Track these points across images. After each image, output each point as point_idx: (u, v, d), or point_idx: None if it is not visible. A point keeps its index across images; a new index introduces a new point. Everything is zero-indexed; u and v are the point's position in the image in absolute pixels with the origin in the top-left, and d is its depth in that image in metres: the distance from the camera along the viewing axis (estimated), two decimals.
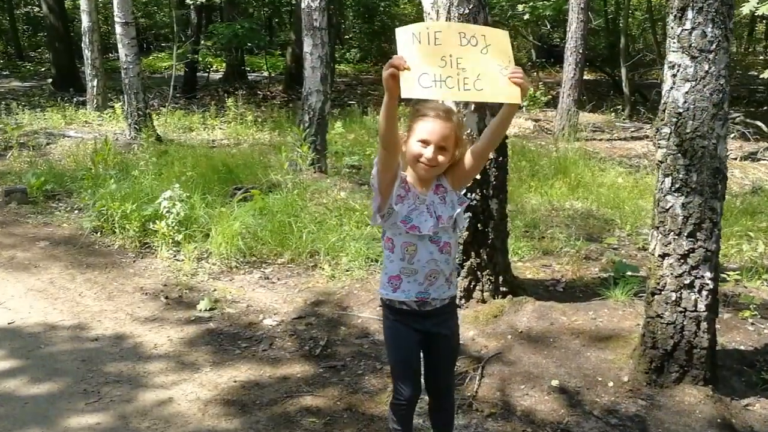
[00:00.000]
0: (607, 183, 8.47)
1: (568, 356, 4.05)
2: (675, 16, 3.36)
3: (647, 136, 13.09)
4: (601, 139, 12.81)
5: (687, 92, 3.37)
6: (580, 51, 12.15)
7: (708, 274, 3.53)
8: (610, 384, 3.78)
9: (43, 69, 21.25)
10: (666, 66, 3.46)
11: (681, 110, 3.39)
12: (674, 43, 3.38)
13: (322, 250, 5.72)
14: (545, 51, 22.71)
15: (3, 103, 13.79)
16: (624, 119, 14.81)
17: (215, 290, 5.21)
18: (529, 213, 7.05)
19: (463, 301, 4.55)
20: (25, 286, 5.20)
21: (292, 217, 6.16)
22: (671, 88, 3.43)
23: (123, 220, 6.17)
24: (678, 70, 3.39)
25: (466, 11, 4.03)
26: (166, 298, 5.06)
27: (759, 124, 13.40)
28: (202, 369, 4.08)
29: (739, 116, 14.56)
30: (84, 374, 3.97)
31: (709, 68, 3.32)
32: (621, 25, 18.10)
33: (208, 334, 4.54)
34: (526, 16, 16.57)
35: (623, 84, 15.75)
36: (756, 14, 10.58)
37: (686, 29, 3.32)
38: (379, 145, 2.65)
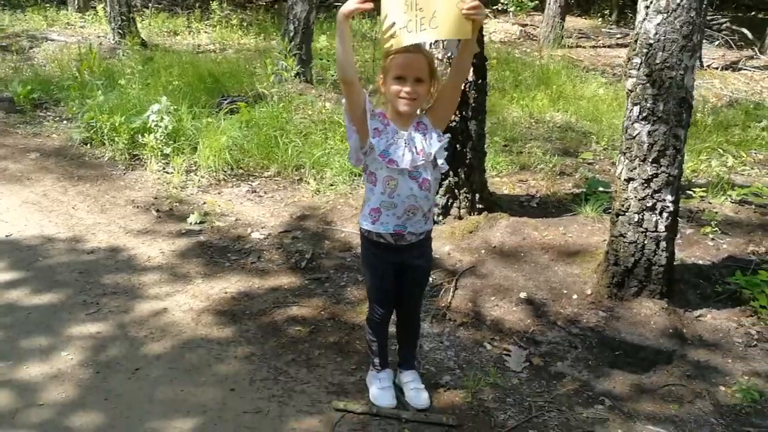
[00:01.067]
0: (588, 95, 8.61)
1: (537, 270, 4.33)
2: None
3: (611, 45, 13.08)
4: (585, 47, 12.81)
5: (659, 24, 3.50)
6: None
7: (669, 198, 3.77)
8: (574, 297, 4.08)
9: None
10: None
11: (652, 41, 3.53)
12: None
13: (307, 164, 5.90)
14: None
15: None
16: (611, 25, 14.73)
17: (204, 203, 5.41)
18: (510, 126, 7.22)
19: (440, 217, 4.79)
20: (20, 199, 5.38)
21: (278, 131, 6.30)
22: (644, 19, 3.56)
23: (112, 132, 6.29)
24: (651, 2, 3.50)
25: None
26: (158, 211, 5.26)
27: (744, 31, 13.39)
28: (194, 281, 4.33)
29: (725, 21, 14.53)
30: (82, 286, 4.22)
31: (681, 1, 3.44)
32: None
33: (199, 246, 4.77)
34: None
35: None
36: None
37: None
38: (341, 81, 2.82)
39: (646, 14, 3.54)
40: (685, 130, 3.71)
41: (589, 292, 4.08)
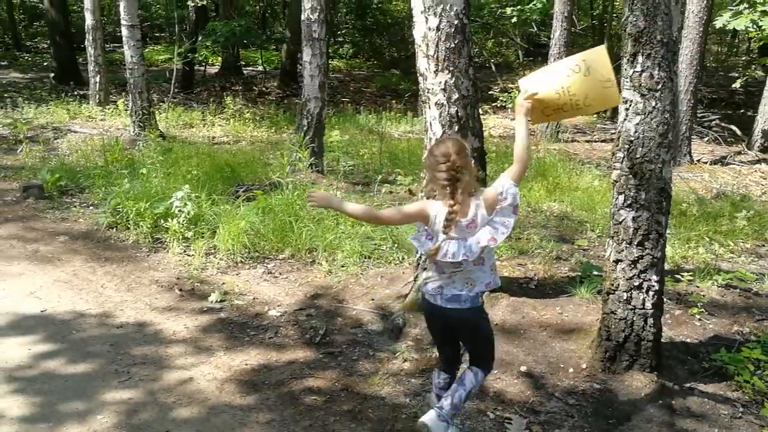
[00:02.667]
0: (583, 186, 9.09)
1: (536, 346, 4.66)
2: (627, 59, 3.95)
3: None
4: (581, 141, 13.44)
5: (637, 124, 3.97)
6: (563, 58, 12.75)
7: (654, 278, 4.15)
8: (571, 370, 4.40)
9: (41, 60, 21.65)
10: (621, 101, 4.05)
11: (632, 139, 4.00)
12: (627, 82, 3.98)
13: (320, 247, 6.31)
14: (533, 51, 23.31)
15: (6, 96, 14.28)
16: (606, 121, 15.44)
17: (224, 283, 5.79)
18: None
19: None
20: (51, 278, 5.76)
21: (292, 216, 6.74)
22: (624, 119, 4.03)
23: (137, 217, 6.73)
24: (630, 105, 3.99)
25: (452, 45, 4.61)
26: (180, 290, 5.63)
27: (733, 128, 14.05)
28: (217, 353, 4.66)
29: (715, 119, 15.24)
30: (114, 357, 4.55)
31: (656, 104, 3.92)
32: (606, 28, 18.74)
33: (220, 323, 5.12)
34: (514, 19, 17.20)
35: None
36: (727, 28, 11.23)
37: (637, 71, 3.92)
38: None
39: (626, 115, 4.01)
40: (666, 216, 4.13)
41: (584, 366, 4.41)
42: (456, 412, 3.52)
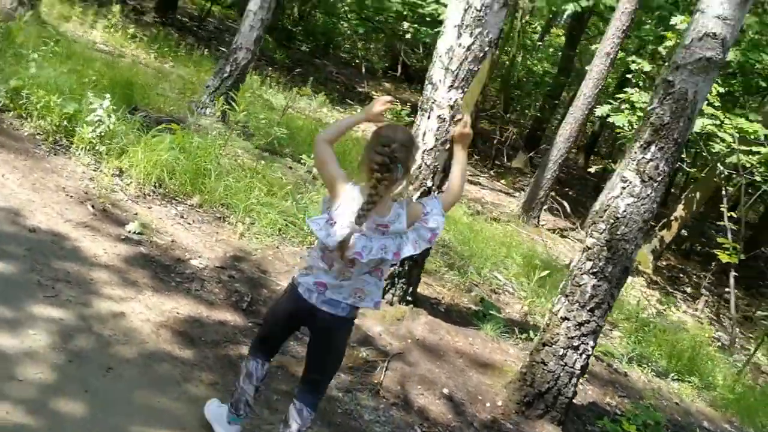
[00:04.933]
0: (458, 219, 9.49)
1: (455, 371, 4.83)
2: (641, 145, 4.27)
3: (480, 183, 14.54)
4: None
5: (628, 204, 4.30)
6: None
7: (591, 343, 4.50)
8: (488, 404, 4.62)
9: None
10: (618, 177, 4.36)
11: (619, 216, 4.32)
12: (632, 164, 4.30)
13: (237, 207, 6.04)
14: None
15: None
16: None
17: (137, 214, 5.35)
18: None
19: None
20: None
21: (211, 164, 6.39)
22: (617, 196, 4.34)
23: (44, 110, 6.01)
24: (628, 186, 4.31)
25: (475, 69, 4.69)
26: (93, 207, 5.13)
27: (565, 204, 15.39)
28: (145, 291, 4.32)
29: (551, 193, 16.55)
30: (32, 264, 4.06)
31: (650, 193, 4.28)
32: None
33: (142, 258, 4.74)
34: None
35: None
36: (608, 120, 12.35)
37: (646, 158, 4.25)
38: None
39: (620, 193, 4.33)
40: (619, 291, 4.50)
41: (499, 403, 4.65)
42: None
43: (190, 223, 5.66)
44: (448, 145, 4.78)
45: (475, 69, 4.66)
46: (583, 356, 4.50)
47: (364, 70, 20.10)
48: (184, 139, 6.51)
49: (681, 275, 14.76)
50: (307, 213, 6.33)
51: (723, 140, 10.41)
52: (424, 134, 4.80)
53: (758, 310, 12.85)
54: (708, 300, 13.10)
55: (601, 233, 4.38)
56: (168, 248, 5.04)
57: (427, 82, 4.86)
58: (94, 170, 5.77)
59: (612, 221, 4.35)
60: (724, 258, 9.38)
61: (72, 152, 5.90)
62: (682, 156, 11.50)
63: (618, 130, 12.51)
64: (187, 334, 4.06)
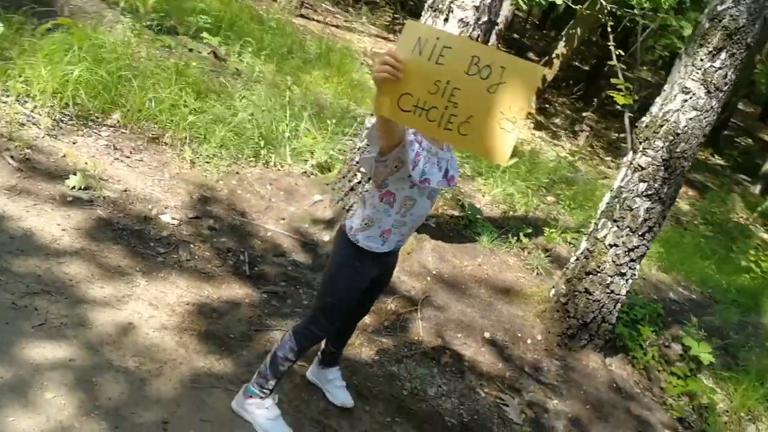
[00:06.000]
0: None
1: (483, 307, 4.37)
2: (710, 52, 3.73)
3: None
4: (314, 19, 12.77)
5: (690, 119, 3.82)
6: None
7: (637, 267, 4.16)
8: (528, 341, 4.24)
9: None
10: (678, 87, 3.84)
11: (680, 132, 3.84)
12: (697, 73, 3.77)
13: (181, 126, 4.91)
14: None
15: None
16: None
17: (65, 156, 4.17)
18: None
19: None
20: None
21: (123, 69, 5.10)
22: (678, 110, 3.83)
23: None
24: (690, 98, 3.80)
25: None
26: (12, 158, 3.90)
27: None
28: (135, 280, 3.39)
29: None
30: None
31: (714, 104, 3.81)
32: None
33: (105, 226, 3.71)
34: None
35: None
36: None
37: (714, 66, 3.73)
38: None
39: (682, 106, 3.83)
40: (670, 210, 4.13)
41: (539, 337, 4.28)
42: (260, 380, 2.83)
43: (128, 156, 4.55)
44: None
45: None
46: (630, 282, 4.19)
47: None
48: (84, 39, 5.12)
49: (564, 112, 14.93)
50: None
51: None
52: None
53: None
54: (588, 136, 13.45)
55: (657, 152, 3.91)
56: (126, 204, 4.00)
57: None
58: None
59: (672, 138, 3.87)
60: (620, 100, 9.34)
61: None
62: None
63: None
64: (212, 334, 3.24)
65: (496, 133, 2.08)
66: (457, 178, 2.60)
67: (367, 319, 3.78)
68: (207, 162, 4.82)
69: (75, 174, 3.95)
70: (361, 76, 8.90)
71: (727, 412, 4.58)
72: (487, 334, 4.14)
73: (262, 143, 5.21)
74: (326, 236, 4.41)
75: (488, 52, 2.09)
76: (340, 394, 3.12)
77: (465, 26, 3.92)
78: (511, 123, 2.08)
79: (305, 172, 5.12)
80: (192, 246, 3.88)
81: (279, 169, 5.09)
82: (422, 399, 3.47)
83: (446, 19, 3.94)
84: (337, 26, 12.23)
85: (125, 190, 4.12)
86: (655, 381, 4.55)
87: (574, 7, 11.31)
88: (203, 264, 3.77)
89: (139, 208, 4.00)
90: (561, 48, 13.22)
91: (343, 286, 2.70)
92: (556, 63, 13.29)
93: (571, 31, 13.23)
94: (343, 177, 4.63)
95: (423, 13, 4.14)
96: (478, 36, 3.97)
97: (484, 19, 3.93)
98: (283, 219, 4.50)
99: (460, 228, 5.32)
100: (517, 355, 4.11)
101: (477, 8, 3.89)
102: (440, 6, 3.97)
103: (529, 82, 2.09)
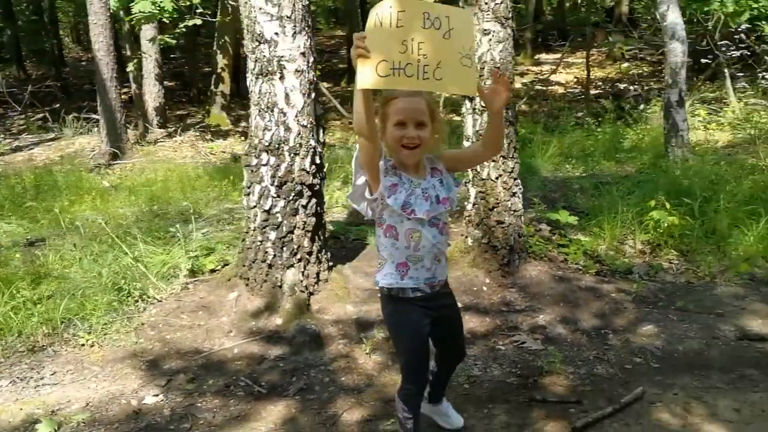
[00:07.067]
0: None
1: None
2: None
3: None
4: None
5: (500, 51, 4.50)
6: None
7: (519, 181, 4.87)
8: (485, 288, 4.78)
9: None
10: (479, 32, 4.46)
11: (498, 66, 4.51)
12: (488, 14, 4.44)
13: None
14: None
15: None
16: None
17: None
18: None
19: None
20: None
21: None
22: (488, 50, 4.49)
23: None
24: (492, 36, 4.47)
25: (306, 3, 4.08)
26: None
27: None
28: None
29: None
30: None
31: (510, 32, 4.53)
32: None
33: None
34: None
35: None
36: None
37: (497, 2, 4.42)
38: (357, 134, 2.58)
39: (489, 46, 4.48)
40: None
41: (487, 280, 4.83)
42: None
43: (37, 385, 4.03)
44: (313, 95, 4.24)
45: (306, 3, 4.08)
46: (519, 195, 4.89)
47: None
48: None
49: None
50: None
51: None
52: (286, 97, 4.13)
53: None
54: None
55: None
56: (102, 414, 3.67)
57: (251, 43, 4.07)
58: None
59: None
60: None
61: None
62: None
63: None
64: None
65: (461, 70, 2.53)
66: (455, 195, 2.77)
67: (380, 372, 3.98)
68: (105, 335, 4.48)
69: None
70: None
71: (609, 246, 5.60)
72: (460, 304, 4.56)
73: (126, 290, 4.87)
74: (276, 318, 4.45)
75: (431, 7, 2.50)
76: (451, 419, 3.34)
77: (301, 74, 4.14)
78: (468, 59, 2.55)
79: (196, 281, 4.99)
80: (199, 404, 3.72)
81: (170, 298, 4.88)
82: (476, 381, 3.82)
83: (281, 78, 4.11)
84: None
85: (79, 424, 3.70)
86: (561, 259, 5.33)
87: None
88: (224, 412, 3.64)
89: (115, 410, 3.70)
90: None
91: (405, 342, 2.86)
92: None
93: None
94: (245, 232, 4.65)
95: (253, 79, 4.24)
96: (313, 76, 4.22)
97: (312, 59, 4.19)
98: (231, 332, 4.42)
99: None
100: (488, 305, 4.62)
101: (303, 54, 4.12)
102: (268, 68, 4.11)
103: (468, 23, 2.66)
